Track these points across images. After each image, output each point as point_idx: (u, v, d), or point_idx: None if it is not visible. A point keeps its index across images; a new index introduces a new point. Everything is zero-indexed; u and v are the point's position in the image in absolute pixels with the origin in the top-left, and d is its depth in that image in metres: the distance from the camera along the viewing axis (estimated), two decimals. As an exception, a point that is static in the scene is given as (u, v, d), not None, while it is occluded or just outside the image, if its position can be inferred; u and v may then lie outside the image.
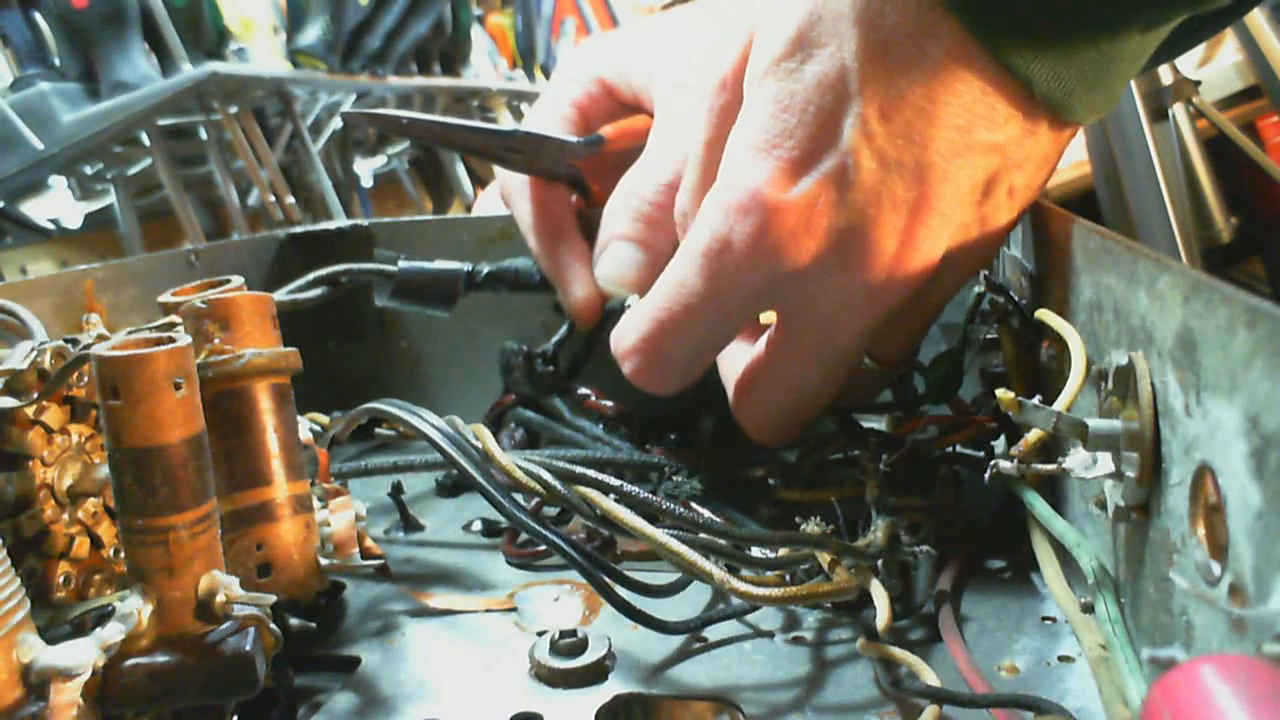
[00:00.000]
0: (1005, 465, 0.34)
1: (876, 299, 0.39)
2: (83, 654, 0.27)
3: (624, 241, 0.51)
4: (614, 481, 0.40)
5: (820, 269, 0.38)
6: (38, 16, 1.14)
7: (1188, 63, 0.98)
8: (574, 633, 0.38)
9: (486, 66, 1.78)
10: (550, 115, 0.57)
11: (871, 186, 0.36)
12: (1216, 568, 0.25)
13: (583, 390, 0.58)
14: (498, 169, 0.58)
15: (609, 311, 0.57)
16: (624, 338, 0.45)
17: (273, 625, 0.31)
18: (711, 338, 0.43)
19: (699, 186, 0.43)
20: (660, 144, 0.51)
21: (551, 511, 0.49)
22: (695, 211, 0.43)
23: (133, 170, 1.23)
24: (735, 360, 0.46)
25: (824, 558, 0.39)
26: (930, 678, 0.34)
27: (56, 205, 1.27)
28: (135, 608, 0.29)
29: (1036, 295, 0.44)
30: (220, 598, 0.30)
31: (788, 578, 0.40)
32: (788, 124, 0.37)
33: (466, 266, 0.59)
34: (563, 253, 0.55)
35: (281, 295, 0.57)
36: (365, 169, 1.72)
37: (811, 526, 0.40)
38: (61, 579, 0.35)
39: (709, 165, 0.42)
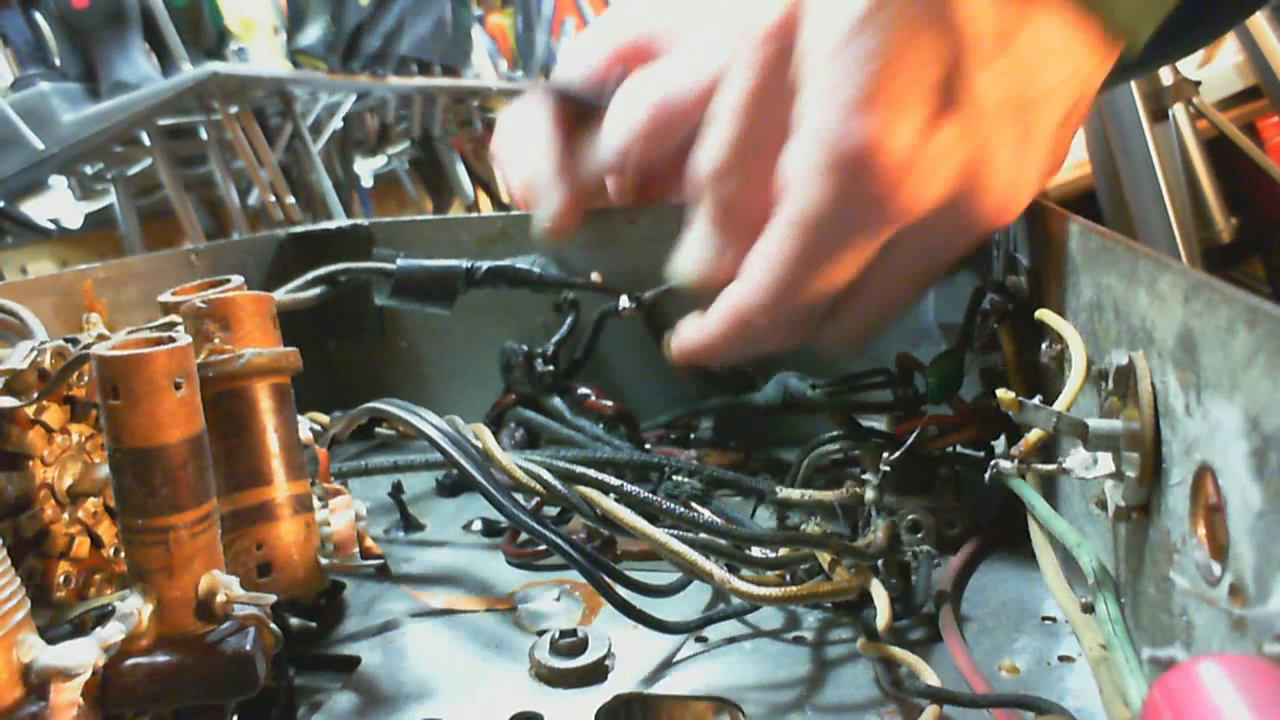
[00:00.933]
0: (1005, 465, 0.34)
1: (984, 229, 0.39)
2: (83, 654, 0.27)
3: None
4: (614, 481, 0.40)
5: (937, 213, 0.38)
6: (38, 16, 1.13)
7: (1188, 63, 0.98)
8: (574, 633, 0.38)
9: (486, 66, 1.78)
10: (527, 133, 0.55)
11: (984, 124, 0.36)
12: (1217, 568, 0.25)
13: (583, 390, 0.58)
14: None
15: (606, 311, 0.58)
16: (716, 324, 0.43)
17: (273, 625, 0.31)
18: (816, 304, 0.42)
19: (741, 140, 0.41)
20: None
21: (551, 511, 0.49)
22: (733, 167, 0.41)
23: (133, 170, 1.23)
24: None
25: (824, 558, 0.39)
26: (930, 678, 0.34)
27: (56, 205, 1.27)
28: (135, 608, 0.29)
29: (1036, 295, 0.44)
30: (220, 598, 0.30)
31: (788, 578, 0.40)
32: (890, 70, 0.36)
33: (465, 263, 0.59)
34: (559, 160, 0.54)
35: (281, 295, 0.57)
36: (365, 169, 1.72)
37: (811, 526, 0.40)
38: (61, 579, 0.35)
39: (755, 116, 0.40)
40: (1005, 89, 0.36)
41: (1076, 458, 0.33)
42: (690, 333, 0.45)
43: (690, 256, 0.45)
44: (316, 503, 0.39)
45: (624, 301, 0.51)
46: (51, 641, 0.28)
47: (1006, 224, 0.40)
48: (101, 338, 0.36)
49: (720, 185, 0.42)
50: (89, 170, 1.21)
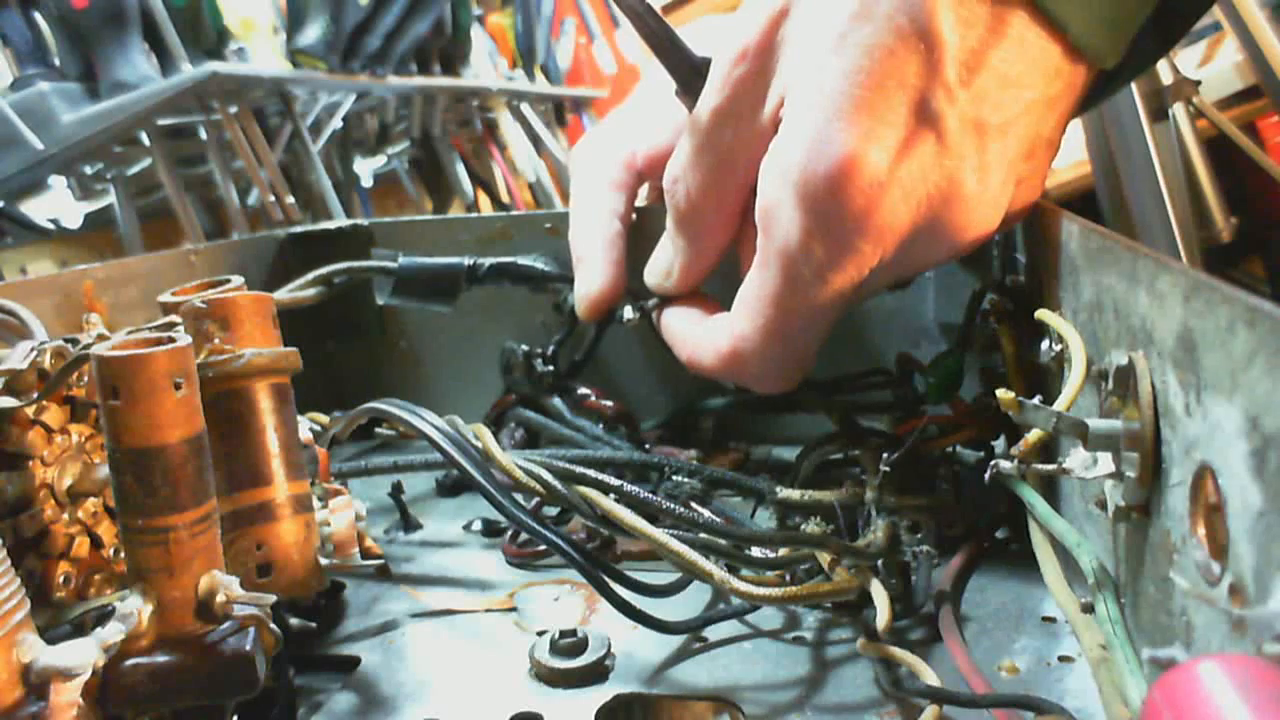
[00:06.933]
0: (1005, 465, 0.34)
1: (956, 250, 0.39)
2: (83, 654, 0.27)
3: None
4: (614, 481, 0.40)
5: (910, 236, 0.38)
6: (38, 16, 1.13)
7: (1188, 63, 0.98)
8: (574, 633, 0.38)
9: (486, 66, 1.78)
10: (599, 209, 0.53)
11: (958, 148, 0.36)
12: (1217, 568, 0.25)
13: (583, 390, 0.58)
14: (597, 137, 0.55)
15: (609, 312, 0.57)
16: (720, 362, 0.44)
17: (273, 625, 0.31)
18: (825, 329, 0.42)
19: (699, 153, 0.42)
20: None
21: (551, 511, 0.49)
22: (690, 177, 0.43)
23: (133, 170, 1.23)
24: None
25: (824, 558, 0.39)
26: (930, 678, 0.34)
27: (56, 205, 1.27)
28: (135, 608, 0.29)
29: (1036, 295, 0.44)
30: (220, 598, 0.30)
31: (788, 578, 0.40)
32: (867, 91, 0.36)
33: (467, 260, 0.59)
34: (610, 240, 0.52)
35: (281, 295, 0.57)
36: (365, 169, 1.72)
37: (811, 526, 0.40)
38: (61, 579, 0.35)
39: (715, 133, 0.41)
40: (977, 107, 0.36)
41: (1076, 458, 0.33)
42: (694, 353, 0.46)
43: (657, 262, 0.48)
44: (316, 503, 0.39)
45: (628, 313, 0.51)
46: (51, 641, 0.28)
47: (977, 244, 0.39)
48: (101, 338, 0.36)
49: (682, 191, 0.44)
50: (89, 170, 1.21)
